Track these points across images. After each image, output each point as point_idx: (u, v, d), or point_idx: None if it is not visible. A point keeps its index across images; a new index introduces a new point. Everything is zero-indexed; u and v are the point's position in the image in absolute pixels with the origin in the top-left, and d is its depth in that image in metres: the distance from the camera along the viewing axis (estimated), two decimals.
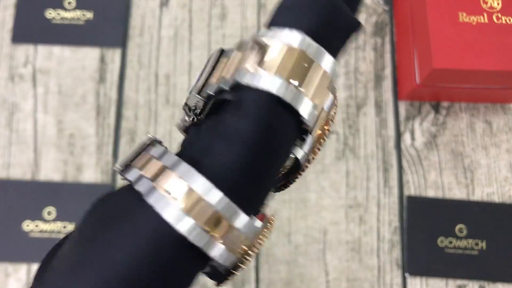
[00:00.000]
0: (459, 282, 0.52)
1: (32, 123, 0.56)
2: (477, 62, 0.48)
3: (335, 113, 0.25)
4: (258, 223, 0.22)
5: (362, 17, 0.60)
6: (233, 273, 0.22)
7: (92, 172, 0.55)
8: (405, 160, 0.55)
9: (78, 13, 0.59)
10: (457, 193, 0.54)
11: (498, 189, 0.55)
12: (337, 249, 0.53)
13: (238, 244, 0.21)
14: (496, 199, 0.54)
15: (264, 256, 0.53)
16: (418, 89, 0.53)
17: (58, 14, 0.58)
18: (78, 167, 0.55)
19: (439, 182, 0.55)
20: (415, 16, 0.54)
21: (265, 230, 0.23)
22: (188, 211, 0.20)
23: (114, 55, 0.58)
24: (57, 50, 0.58)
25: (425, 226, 0.53)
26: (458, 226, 0.53)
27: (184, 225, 0.20)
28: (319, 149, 0.25)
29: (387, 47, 0.59)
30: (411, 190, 0.55)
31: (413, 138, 0.56)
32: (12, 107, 0.57)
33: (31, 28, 0.58)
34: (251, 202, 0.22)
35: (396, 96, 0.57)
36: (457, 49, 0.48)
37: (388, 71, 0.58)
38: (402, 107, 0.57)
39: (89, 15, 0.59)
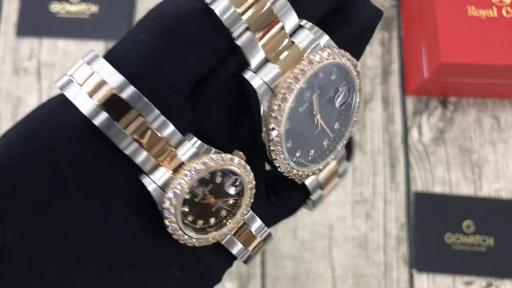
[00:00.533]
0: (466, 278, 0.52)
1: None
2: (486, 57, 0.47)
3: (321, 58, 0.21)
4: (191, 139, 0.20)
5: None
6: (166, 195, 0.20)
7: None
8: (412, 156, 0.55)
9: (83, 7, 0.58)
10: (465, 189, 0.54)
11: (506, 185, 0.54)
12: (344, 245, 0.53)
13: (153, 142, 0.19)
14: (504, 195, 0.54)
15: (270, 252, 0.52)
16: (426, 84, 0.53)
17: (63, 7, 0.58)
18: None
19: (447, 178, 0.54)
20: (423, 10, 0.53)
21: (211, 158, 0.20)
22: (91, 94, 0.19)
23: None
24: (62, 44, 0.58)
25: (432, 222, 0.53)
26: (465, 223, 0.53)
27: (77, 99, 0.19)
28: (284, 100, 0.21)
29: (395, 41, 0.58)
30: (418, 186, 0.54)
31: (420, 134, 0.56)
32: (17, 101, 0.56)
33: (36, 21, 0.58)
34: (163, 93, 0.20)
35: (404, 91, 0.57)
36: (466, 43, 0.48)
37: (395, 66, 0.58)
38: (410, 102, 0.57)
39: (94, 8, 0.58)
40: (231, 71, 0.21)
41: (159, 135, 0.19)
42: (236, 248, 0.25)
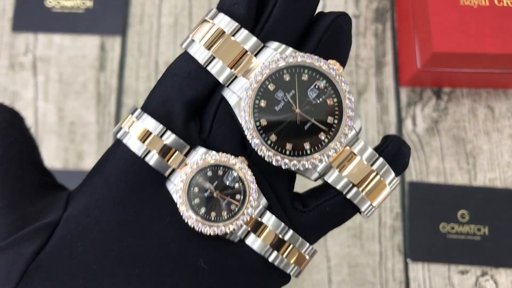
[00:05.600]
0: (461, 267, 0.52)
1: (32, 112, 0.56)
2: (478, 45, 0.47)
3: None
4: (198, 149, 0.26)
5: (363, 4, 0.59)
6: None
7: (93, 159, 0.55)
8: None
9: (78, 2, 0.58)
10: (459, 179, 0.54)
11: (501, 175, 0.54)
12: (339, 235, 0.53)
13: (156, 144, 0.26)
14: (498, 184, 0.54)
15: None
16: (419, 74, 0.53)
17: (58, 2, 0.58)
18: (79, 154, 0.55)
19: (441, 168, 0.55)
20: (416, 0, 0.53)
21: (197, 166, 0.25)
22: (142, 141, 0.26)
23: (114, 43, 0.58)
24: (57, 39, 0.58)
25: (427, 212, 0.53)
26: (460, 212, 0.53)
27: (135, 146, 0.26)
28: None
29: (388, 33, 0.59)
30: (412, 176, 0.54)
31: (414, 124, 0.56)
32: (13, 96, 0.57)
33: (31, 16, 0.58)
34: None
35: (398, 82, 0.57)
36: (458, 33, 0.48)
37: (389, 57, 0.58)
38: (404, 93, 0.57)
39: (89, 3, 0.58)
40: (221, 96, 0.26)
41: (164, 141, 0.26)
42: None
